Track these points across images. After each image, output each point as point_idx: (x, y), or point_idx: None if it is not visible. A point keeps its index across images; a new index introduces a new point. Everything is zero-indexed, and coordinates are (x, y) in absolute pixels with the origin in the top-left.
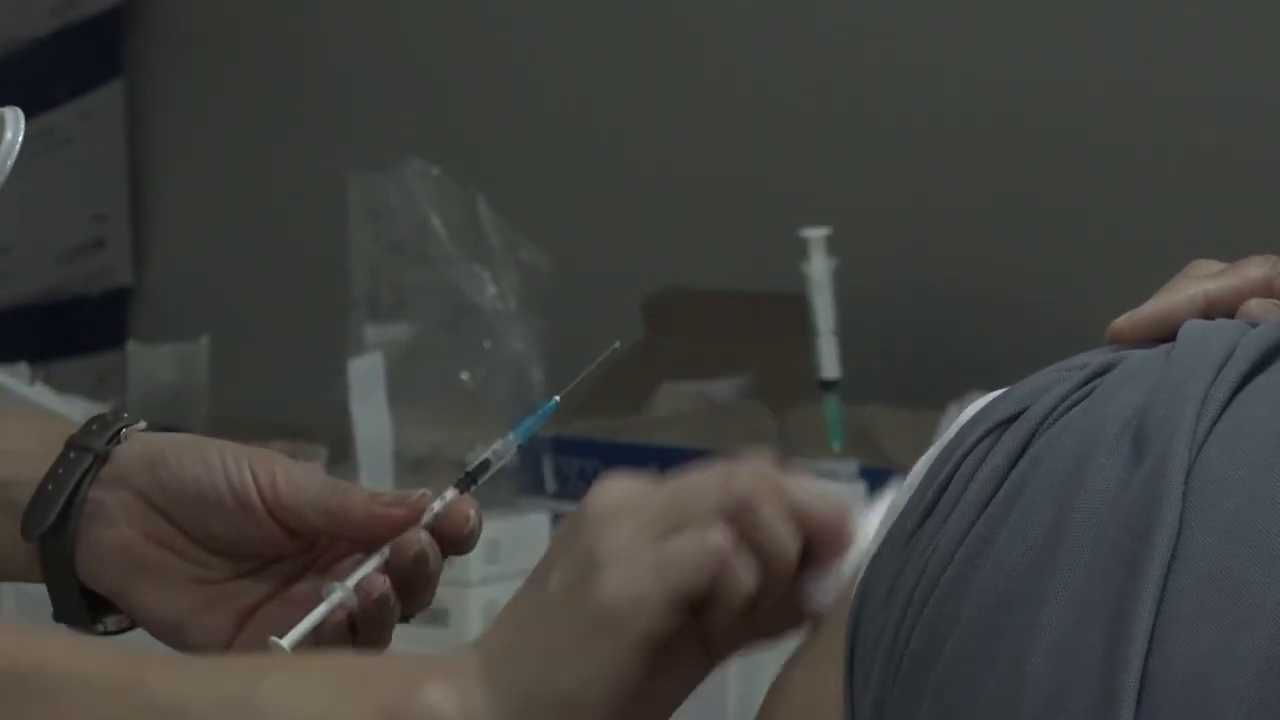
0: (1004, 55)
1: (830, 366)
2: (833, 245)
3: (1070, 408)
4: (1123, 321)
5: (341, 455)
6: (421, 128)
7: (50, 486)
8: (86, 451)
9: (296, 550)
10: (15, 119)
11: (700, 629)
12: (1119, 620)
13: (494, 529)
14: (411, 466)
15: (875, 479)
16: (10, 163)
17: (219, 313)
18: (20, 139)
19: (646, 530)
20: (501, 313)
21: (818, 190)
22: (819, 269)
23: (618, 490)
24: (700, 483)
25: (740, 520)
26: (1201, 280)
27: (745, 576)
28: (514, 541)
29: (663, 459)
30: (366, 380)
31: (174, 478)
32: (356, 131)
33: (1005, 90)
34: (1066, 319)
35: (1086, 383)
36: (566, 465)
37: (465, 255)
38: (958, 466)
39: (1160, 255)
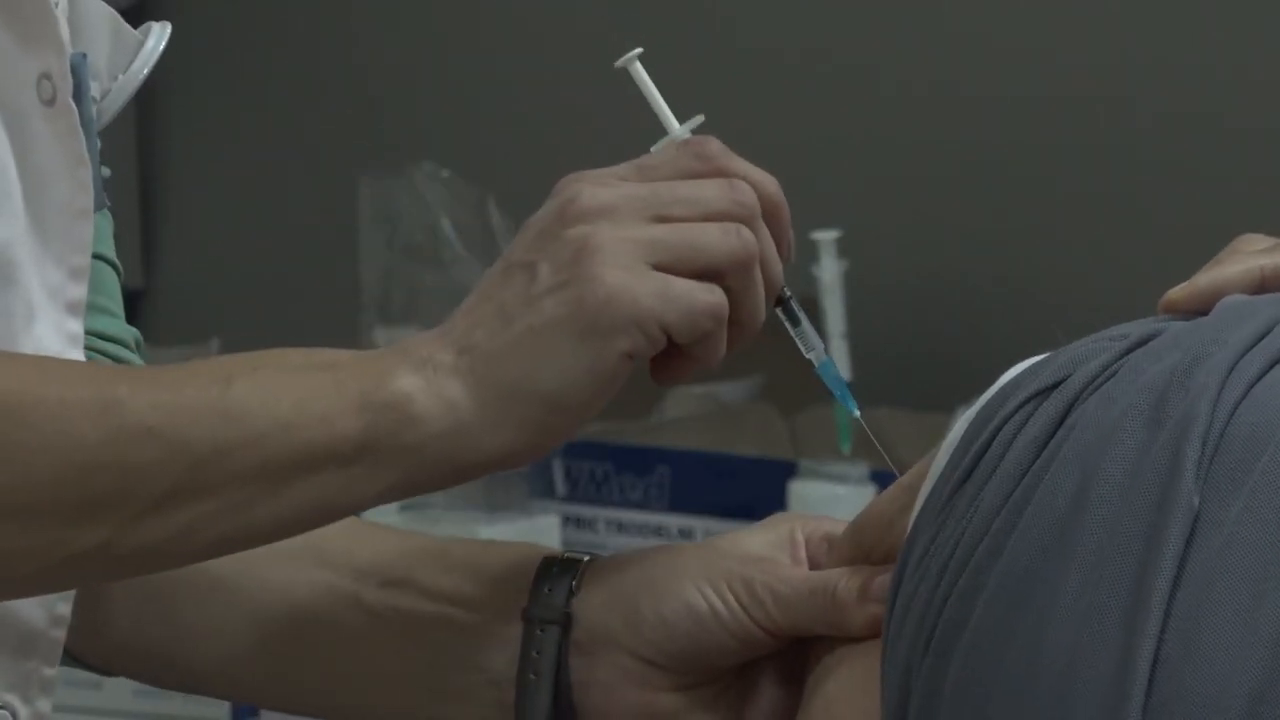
0: (1016, 61)
1: (840, 369)
2: (843, 248)
3: (1110, 378)
4: (1177, 292)
5: None
6: (433, 130)
7: (532, 675)
8: (551, 624)
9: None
10: (161, 31)
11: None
12: (1137, 591)
13: (504, 532)
14: None
15: (885, 482)
16: (147, 71)
17: (229, 315)
18: (161, 49)
19: (650, 249)
20: None
21: (828, 193)
22: (829, 272)
23: (603, 190)
24: (700, 198)
25: (740, 276)
26: (1256, 255)
27: (720, 348)
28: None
29: (673, 461)
30: None
31: (660, 632)
32: (367, 134)
33: (1017, 96)
34: (1077, 323)
35: (1127, 353)
36: (577, 468)
37: (476, 258)
38: (995, 433)
39: (1172, 262)
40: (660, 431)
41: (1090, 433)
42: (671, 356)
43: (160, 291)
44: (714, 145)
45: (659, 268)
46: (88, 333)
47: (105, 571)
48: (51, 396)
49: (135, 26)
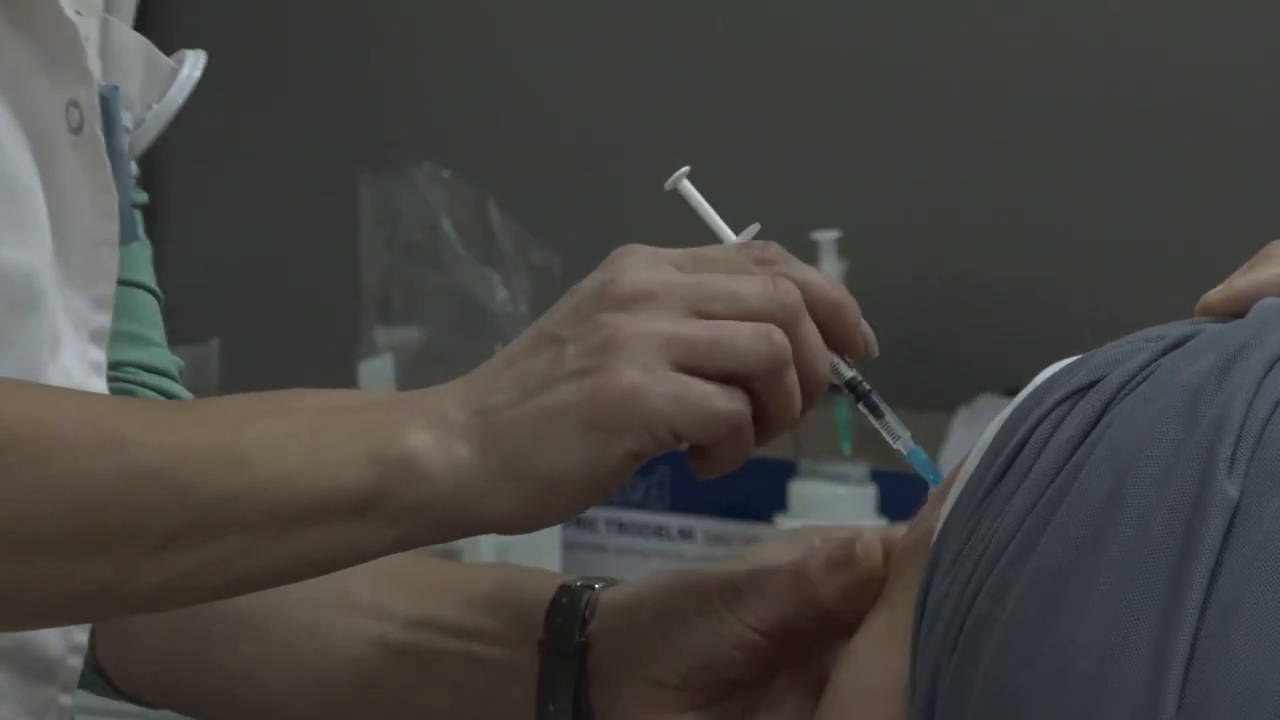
0: (1015, 59)
1: (840, 370)
2: (843, 248)
3: (1146, 378)
4: (1215, 294)
5: None
6: (433, 130)
7: (551, 707)
8: (566, 655)
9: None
10: (195, 59)
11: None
12: (1173, 588)
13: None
14: None
15: (885, 482)
16: (183, 98)
17: (229, 315)
18: (197, 77)
19: (675, 348)
20: (512, 316)
21: (828, 193)
22: (829, 272)
23: (647, 273)
24: (739, 295)
25: (767, 380)
26: None
27: (746, 448)
28: (526, 544)
29: (673, 461)
30: (377, 383)
31: (668, 653)
32: (368, 134)
33: (1017, 94)
34: (1078, 322)
35: (1164, 354)
36: None
37: (476, 258)
38: (1031, 432)
39: (1173, 260)
40: None
41: (1126, 431)
42: (702, 456)
43: (160, 291)
44: (774, 249)
45: (682, 367)
46: (131, 364)
47: (111, 609)
48: (63, 431)
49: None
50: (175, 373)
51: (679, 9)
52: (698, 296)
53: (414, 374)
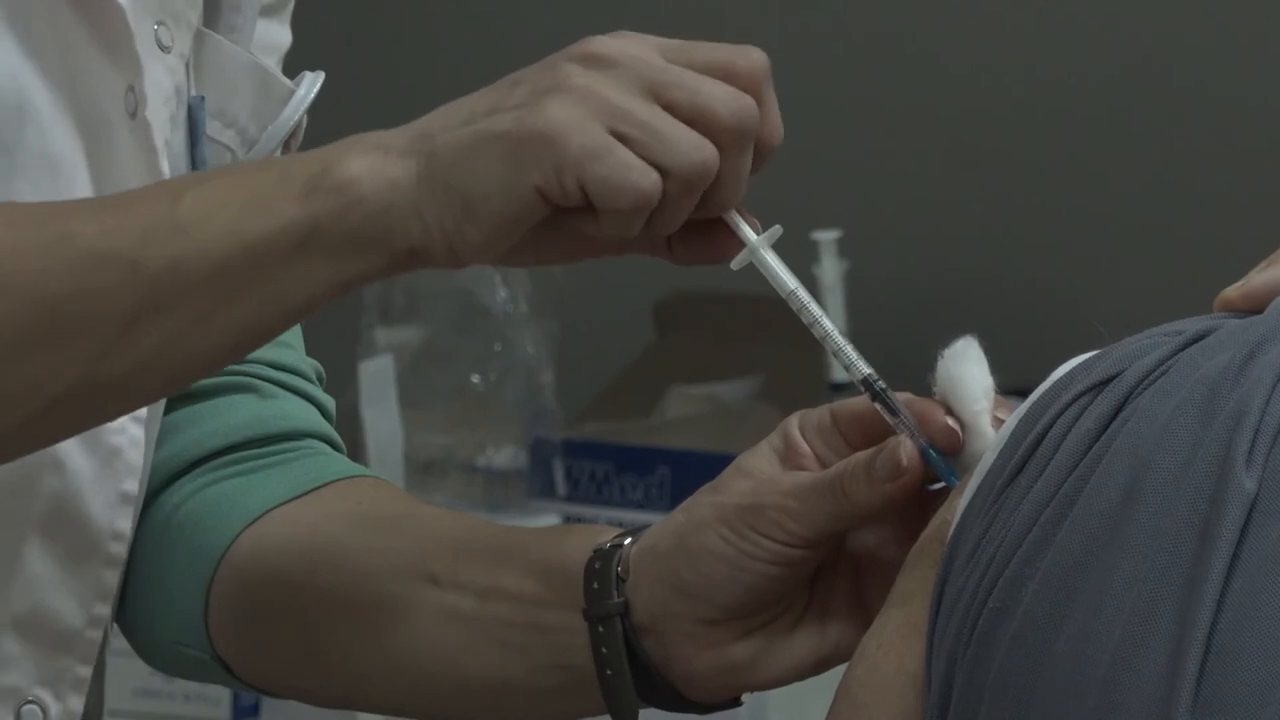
0: (1016, 56)
1: (840, 370)
2: (843, 248)
3: (1165, 373)
4: (1234, 290)
5: (352, 459)
6: None
7: (609, 671)
8: (609, 618)
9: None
10: (314, 79)
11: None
12: (1190, 582)
13: None
14: (422, 469)
15: None
16: (296, 118)
17: None
18: (311, 98)
19: (613, 116)
20: (512, 316)
21: (828, 193)
22: (830, 272)
23: (622, 43)
24: (701, 92)
25: (680, 186)
26: None
27: (628, 231)
28: None
29: (673, 461)
30: (377, 383)
31: (705, 590)
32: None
33: (1018, 92)
34: (1080, 321)
35: (1183, 349)
36: (577, 469)
37: None
38: (1050, 426)
39: (1176, 260)
40: (660, 431)
41: (1144, 426)
42: (588, 221)
43: None
44: (760, 61)
45: (615, 136)
46: (264, 363)
47: (94, 410)
48: (5, 237)
49: None
50: (311, 375)
51: (679, 9)
52: (660, 81)
53: (414, 374)
